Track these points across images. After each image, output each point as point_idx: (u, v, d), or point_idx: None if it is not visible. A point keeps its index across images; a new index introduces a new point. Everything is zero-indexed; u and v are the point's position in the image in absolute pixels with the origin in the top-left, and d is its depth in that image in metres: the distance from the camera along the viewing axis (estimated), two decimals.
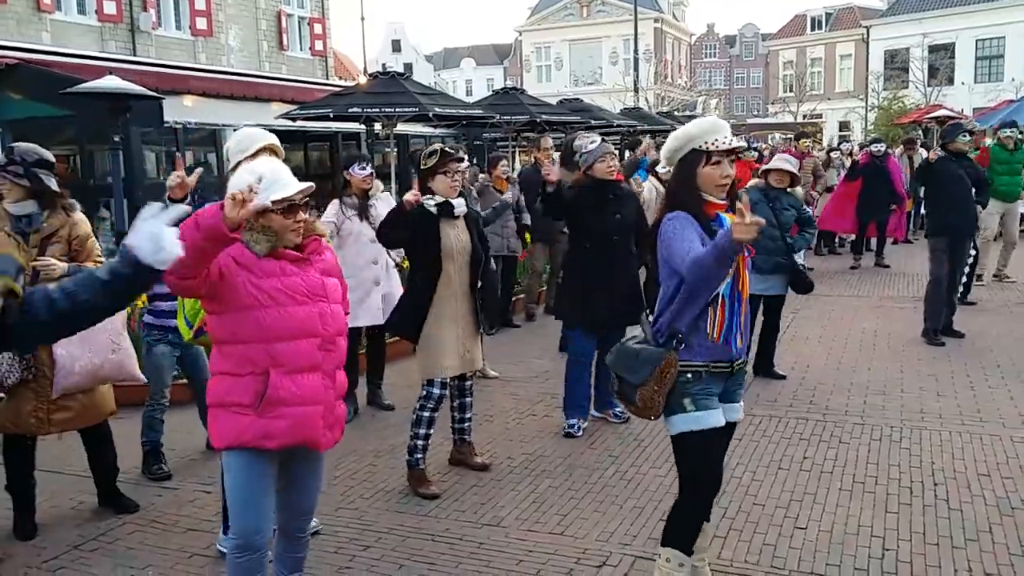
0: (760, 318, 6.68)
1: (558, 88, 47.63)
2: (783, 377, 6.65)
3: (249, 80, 14.52)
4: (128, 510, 4.53)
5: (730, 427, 3.33)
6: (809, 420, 5.71)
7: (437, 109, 9.50)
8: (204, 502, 4.65)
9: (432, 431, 4.77)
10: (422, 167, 4.66)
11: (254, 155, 3.75)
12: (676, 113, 29.24)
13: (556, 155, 8.13)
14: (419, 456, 4.75)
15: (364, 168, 5.81)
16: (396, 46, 69.11)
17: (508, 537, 4.12)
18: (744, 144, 3.53)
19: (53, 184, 4.12)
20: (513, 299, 9.07)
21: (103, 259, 4.37)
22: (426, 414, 4.72)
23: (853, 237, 12.42)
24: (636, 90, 35.97)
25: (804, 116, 46.36)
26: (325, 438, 3.03)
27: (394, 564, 3.88)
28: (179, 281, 2.66)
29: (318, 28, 25.03)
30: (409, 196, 4.55)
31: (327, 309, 2.98)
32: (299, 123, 11.52)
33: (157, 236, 2.15)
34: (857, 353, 7.46)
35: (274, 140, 3.95)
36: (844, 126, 48.15)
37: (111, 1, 18.12)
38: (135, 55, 17.89)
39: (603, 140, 5.46)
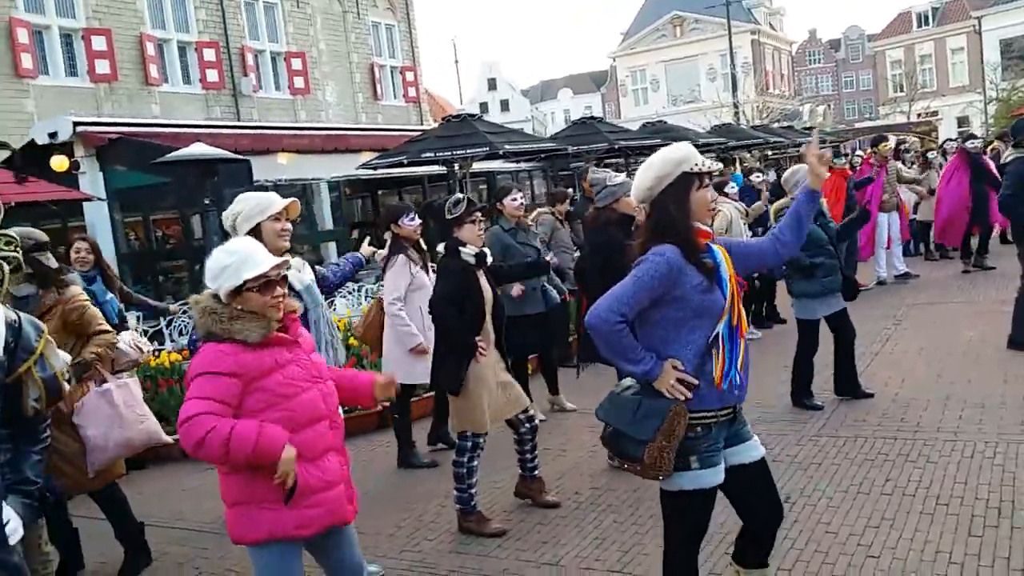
0: (800, 337, 6.35)
1: (656, 110, 47.40)
2: (870, 395, 6.31)
3: (340, 133, 15.06)
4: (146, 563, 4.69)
5: (761, 464, 3.06)
6: (897, 439, 5.40)
7: (508, 146, 9.61)
8: None
9: (476, 478, 4.71)
10: (448, 217, 4.64)
11: (277, 215, 3.89)
12: (774, 125, 28.49)
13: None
14: (472, 502, 4.72)
15: (413, 219, 5.84)
16: (492, 84, 70.45)
17: None
18: (713, 167, 3.28)
19: (52, 263, 4.34)
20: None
21: (104, 325, 4.52)
22: (473, 465, 4.66)
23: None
24: (735, 105, 35.44)
25: (918, 115, 44.47)
26: (349, 512, 3.07)
27: None
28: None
29: (410, 76, 25.81)
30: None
31: (326, 388, 3.00)
32: (397, 170, 11.86)
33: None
34: (959, 364, 7.02)
35: (291, 201, 4.04)
36: (962, 122, 45.90)
37: (213, 69, 19.28)
38: (239, 119, 18.92)
39: (627, 177, 5.36)
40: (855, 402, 6.27)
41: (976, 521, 4.12)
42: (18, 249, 1.91)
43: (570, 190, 9.45)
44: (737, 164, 18.16)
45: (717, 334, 2.85)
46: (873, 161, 11.03)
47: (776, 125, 28.22)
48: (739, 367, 2.90)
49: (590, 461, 5.72)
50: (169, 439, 4.82)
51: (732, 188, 8.69)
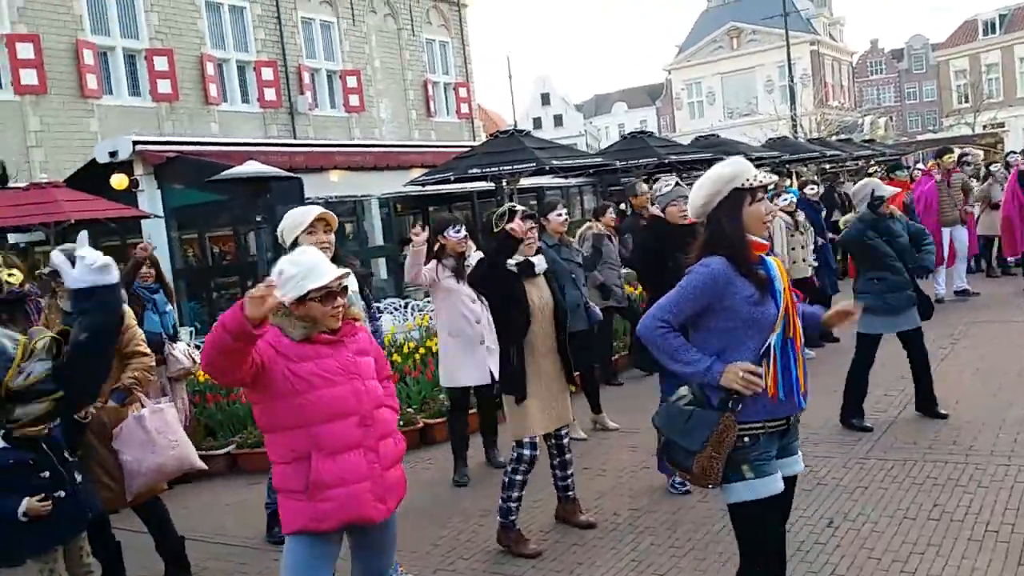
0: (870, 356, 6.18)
1: (711, 123, 46.96)
2: (945, 416, 6.10)
3: (391, 150, 15.25)
4: None
5: (792, 480, 3.12)
6: (948, 463, 5.23)
7: (554, 162, 9.60)
8: None
9: (523, 493, 4.72)
10: (495, 228, 4.69)
11: (310, 228, 3.95)
12: (832, 138, 27.97)
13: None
14: (513, 518, 4.71)
15: (459, 231, 5.92)
16: (545, 99, 70.65)
17: None
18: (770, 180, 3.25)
19: None
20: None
21: (143, 347, 4.65)
22: (518, 477, 4.67)
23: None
24: (792, 118, 34.89)
25: (983, 127, 43.27)
26: (377, 511, 3.05)
27: None
28: (229, 381, 2.83)
29: (463, 92, 26.04)
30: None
31: (361, 386, 3.04)
32: (447, 186, 11.97)
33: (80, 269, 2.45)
34: (1015, 385, 6.77)
35: (324, 212, 4.13)
36: None
37: (271, 88, 19.71)
38: (295, 136, 19.30)
39: (678, 183, 5.32)
40: (906, 423, 6.10)
41: None
42: (12, 275, 1.98)
43: (617, 205, 9.42)
44: (793, 178, 17.87)
45: (769, 345, 2.88)
46: (936, 174, 10.73)
47: (834, 138, 27.68)
48: (795, 379, 2.94)
49: (630, 481, 5.65)
50: (203, 465, 4.93)
51: (784, 200, 8.55)
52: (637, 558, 4.44)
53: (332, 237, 4.24)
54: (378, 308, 5.25)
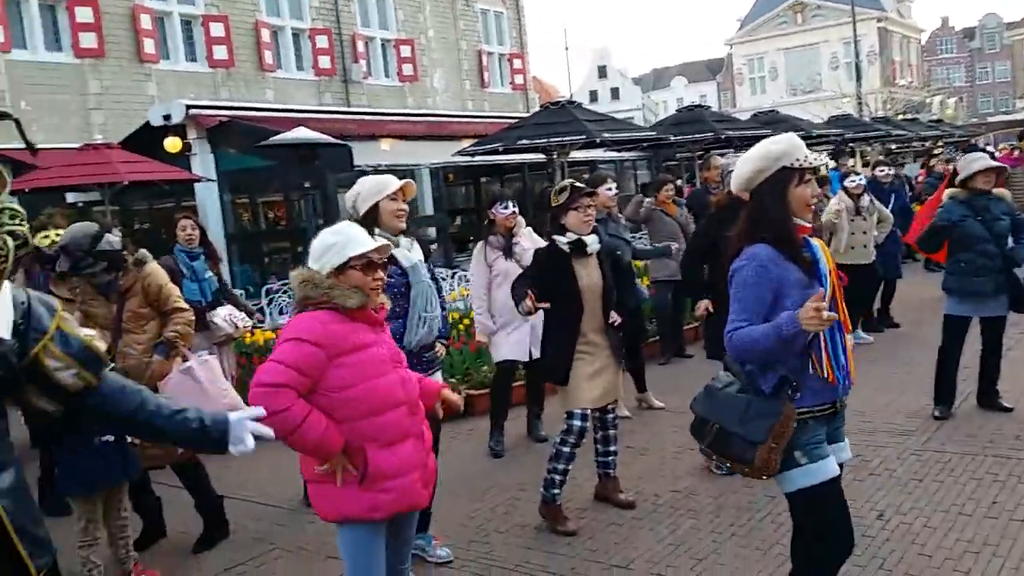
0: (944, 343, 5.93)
1: (773, 99, 45.95)
2: (1009, 409, 5.81)
3: (442, 120, 15.16)
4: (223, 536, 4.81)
5: (840, 468, 2.96)
6: (1011, 459, 4.98)
7: (605, 135, 9.39)
8: None
9: (570, 467, 4.63)
10: (553, 204, 4.61)
11: (392, 194, 3.96)
12: (898, 117, 27.10)
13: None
14: (556, 492, 4.63)
15: (507, 207, 5.83)
16: (602, 72, 69.80)
17: None
18: (824, 162, 3.15)
19: (116, 244, 4.47)
20: (685, 327, 8.71)
21: (182, 303, 4.70)
22: (566, 449, 4.59)
23: None
24: (858, 96, 33.91)
25: None
26: (423, 497, 3.08)
27: None
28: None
29: (517, 63, 25.79)
30: (523, 308, 4.51)
31: (405, 375, 3.03)
32: (498, 157, 11.86)
33: (244, 436, 2.34)
34: None
35: (407, 181, 4.10)
36: None
37: (326, 56, 19.72)
38: (348, 104, 19.30)
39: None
40: (967, 416, 5.84)
41: None
42: (23, 223, 1.86)
43: (674, 179, 9.21)
44: (857, 157, 17.31)
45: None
46: (1018, 155, 10.24)
47: (900, 118, 26.81)
48: (846, 361, 2.84)
49: (673, 462, 5.51)
50: None
51: (852, 182, 8.15)
52: (676, 541, 4.31)
53: (407, 207, 4.20)
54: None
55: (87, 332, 2.11)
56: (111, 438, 3.94)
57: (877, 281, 8.58)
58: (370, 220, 3.96)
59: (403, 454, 2.94)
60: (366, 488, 2.88)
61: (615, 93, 68.73)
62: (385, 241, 3.05)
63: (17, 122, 2.12)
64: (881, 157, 14.90)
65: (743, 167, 2.91)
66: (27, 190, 9.42)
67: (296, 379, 2.79)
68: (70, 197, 11.94)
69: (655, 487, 5.09)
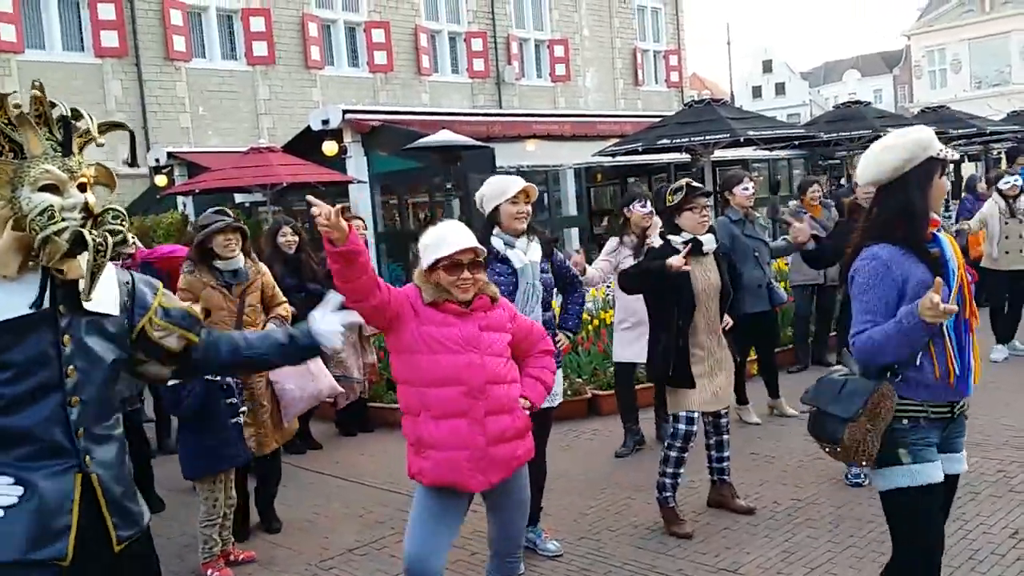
0: None
1: (955, 93, 43.06)
2: None
3: (589, 120, 15.18)
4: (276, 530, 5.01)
5: (952, 481, 2.82)
6: None
7: (750, 133, 9.13)
8: (468, 518, 4.94)
9: (682, 470, 4.58)
10: (668, 203, 4.57)
11: (513, 198, 4.07)
12: None
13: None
14: (668, 494, 4.59)
15: (644, 206, 5.81)
16: (767, 66, 67.29)
17: None
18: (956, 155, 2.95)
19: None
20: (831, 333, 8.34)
21: (282, 297, 5.01)
22: (673, 453, 4.54)
23: None
24: None
25: None
26: (475, 481, 3.12)
27: None
28: (361, 308, 2.95)
29: (673, 60, 25.44)
30: (676, 261, 4.37)
31: (477, 360, 3.09)
32: (643, 157, 11.81)
33: (333, 328, 2.54)
34: None
35: (528, 185, 4.18)
36: None
37: (480, 59, 20.20)
38: (500, 106, 19.69)
39: None
40: None
41: None
42: (124, 223, 2.09)
43: (831, 180, 8.86)
44: None
45: (942, 325, 2.61)
46: None
47: None
48: (970, 362, 2.71)
49: (797, 471, 5.34)
50: (341, 389, 5.58)
51: (1006, 183, 7.61)
52: (790, 549, 4.20)
53: (529, 208, 4.27)
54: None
55: (187, 307, 2.35)
56: (240, 419, 4.30)
57: None
58: (491, 221, 4.14)
59: (450, 429, 3.07)
60: (416, 452, 3.15)
61: (780, 88, 66.11)
62: (472, 245, 3.13)
63: (131, 134, 2.37)
64: None
65: (887, 155, 2.74)
66: (197, 191, 10.21)
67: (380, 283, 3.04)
68: (238, 198, 12.84)
69: (776, 494, 4.96)
